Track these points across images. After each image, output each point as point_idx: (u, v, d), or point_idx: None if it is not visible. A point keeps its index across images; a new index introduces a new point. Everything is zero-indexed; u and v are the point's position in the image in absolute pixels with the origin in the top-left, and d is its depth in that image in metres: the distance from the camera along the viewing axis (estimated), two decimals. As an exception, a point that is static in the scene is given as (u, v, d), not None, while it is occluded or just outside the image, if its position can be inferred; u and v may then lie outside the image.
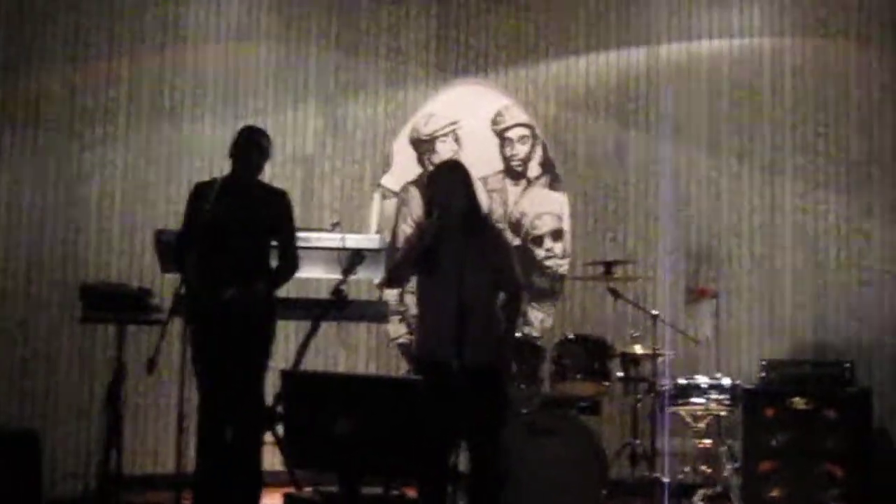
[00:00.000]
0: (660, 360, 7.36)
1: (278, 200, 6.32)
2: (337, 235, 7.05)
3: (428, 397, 4.88)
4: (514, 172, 8.96)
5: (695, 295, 8.28)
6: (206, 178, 6.63)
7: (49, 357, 7.80)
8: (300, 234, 6.46)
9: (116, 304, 6.67)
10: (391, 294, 8.47)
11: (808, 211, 8.32)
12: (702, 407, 7.39)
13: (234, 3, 8.52)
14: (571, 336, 7.39)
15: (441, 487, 5.45)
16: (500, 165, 8.95)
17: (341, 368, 8.32)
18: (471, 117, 8.97)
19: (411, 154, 8.93)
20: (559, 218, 8.87)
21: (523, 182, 8.94)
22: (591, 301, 8.64)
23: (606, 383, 7.26)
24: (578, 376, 7.18)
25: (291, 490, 6.46)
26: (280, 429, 6.12)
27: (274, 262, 6.27)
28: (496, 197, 8.89)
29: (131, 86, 8.17)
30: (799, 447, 7.26)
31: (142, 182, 8.15)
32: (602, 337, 7.54)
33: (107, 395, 6.43)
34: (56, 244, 7.89)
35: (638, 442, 7.27)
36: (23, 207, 7.83)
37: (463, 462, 5.60)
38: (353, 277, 6.69)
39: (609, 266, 7.54)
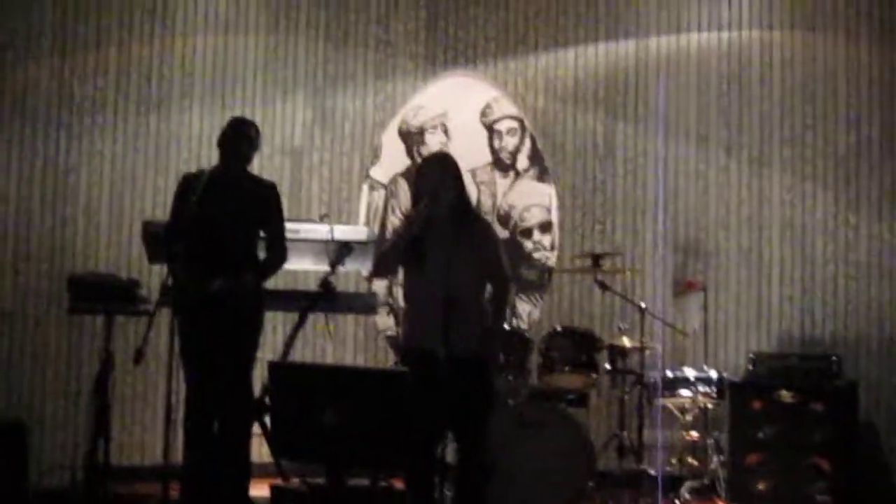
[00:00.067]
0: (647, 352, 7.38)
1: (267, 192, 6.31)
2: (325, 227, 7.05)
3: (415, 388, 4.89)
4: (502, 165, 8.95)
5: (682, 287, 8.29)
6: (194, 169, 6.62)
7: (36, 348, 7.78)
8: (288, 226, 6.46)
9: (104, 295, 6.66)
10: (379, 286, 8.48)
11: (795, 204, 8.35)
12: (689, 399, 7.42)
13: (222, -7, 8.52)
14: (559, 328, 7.40)
15: (428, 479, 5.46)
16: (488, 157, 8.95)
17: (329, 360, 8.31)
18: (460, 109, 8.97)
19: (400, 146, 8.92)
20: (547, 210, 8.87)
21: (512, 174, 8.94)
22: (580, 293, 8.64)
23: (594, 375, 7.28)
24: (566, 368, 7.19)
25: (279, 481, 6.46)
26: (267, 420, 6.12)
27: (262, 254, 6.27)
28: (485, 189, 8.89)
29: (119, 76, 8.15)
30: (786, 440, 7.28)
31: (130, 173, 8.13)
32: (590, 329, 7.56)
33: (94, 386, 6.43)
34: (44, 235, 7.87)
35: (625, 434, 7.29)
36: (10, 198, 7.81)
37: (450, 453, 5.60)
38: (341, 269, 6.69)
39: (597, 258, 7.55)
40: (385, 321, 8.65)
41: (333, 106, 8.73)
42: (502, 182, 8.93)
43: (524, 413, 6.82)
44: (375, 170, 8.85)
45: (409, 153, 8.89)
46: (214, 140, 6.34)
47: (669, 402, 7.52)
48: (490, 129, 8.97)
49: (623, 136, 8.74)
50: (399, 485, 5.49)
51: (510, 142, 8.95)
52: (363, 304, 7.49)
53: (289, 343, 6.69)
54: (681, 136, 8.60)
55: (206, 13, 8.41)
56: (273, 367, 5.37)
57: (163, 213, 7.17)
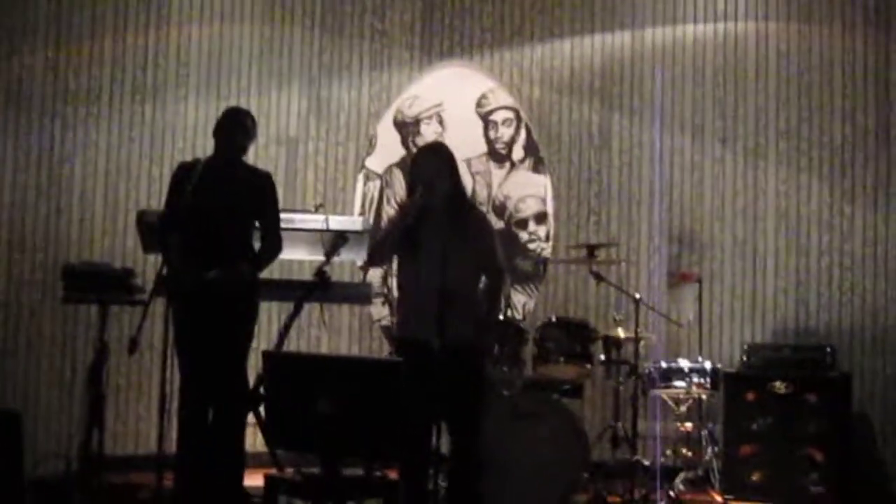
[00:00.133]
0: (642, 343, 7.37)
1: (262, 182, 6.30)
2: (320, 217, 7.05)
3: (408, 378, 4.90)
4: (498, 155, 8.95)
5: (677, 278, 8.30)
6: (190, 158, 6.60)
7: (31, 337, 7.77)
8: (283, 216, 6.46)
9: (98, 285, 6.65)
10: (374, 276, 8.48)
11: (790, 195, 8.35)
12: (683, 390, 7.42)
13: (218, -17, 8.50)
14: (554, 319, 7.39)
15: (422, 469, 5.46)
16: (484, 148, 8.95)
17: (324, 350, 8.32)
18: (455, 100, 8.96)
19: (395, 136, 8.91)
20: (543, 201, 8.88)
21: (507, 165, 8.94)
22: (574, 284, 8.65)
23: (589, 366, 7.27)
24: (561, 359, 7.18)
25: (273, 471, 6.45)
26: (262, 410, 6.12)
27: (257, 244, 6.27)
28: (480, 180, 8.89)
29: (114, 66, 8.13)
30: (779, 431, 7.29)
31: (125, 162, 8.12)
32: (585, 320, 7.56)
33: (89, 375, 6.42)
34: (38, 224, 7.85)
35: (619, 425, 7.29)
36: (4, 187, 7.79)
37: (445, 444, 5.61)
38: (336, 259, 6.69)
39: (592, 249, 7.54)
40: (380, 311, 8.66)
41: (329, 96, 8.72)
42: (497, 173, 8.93)
43: (519, 404, 6.82)
44: (371, 160, 8.85)
45: (405, 143, 8.89)
46: (210, 130, 6.33)
47: (664, 393, 7.53)
48: (485, 119, 8.97)
49: (618, 127, 8.74)
50: (393, 475, 5.48)
51: (505, 132, 8.95)
52: (358, 294, 7.50)
53: (283, 333, 6.70)
54: (676, 127, 8.60)
55: (201, 2, 8.39)
56: (268, 356, 5.37)
57: (158, 202, 7.18)
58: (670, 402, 7.60)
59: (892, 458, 7.77)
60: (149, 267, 7.32)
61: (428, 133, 8.86)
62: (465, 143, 8.54)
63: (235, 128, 6.20)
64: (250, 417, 6.43)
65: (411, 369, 4.95)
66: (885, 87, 8.17)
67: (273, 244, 6.26)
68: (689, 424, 7.52)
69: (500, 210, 8.88)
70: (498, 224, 8.61)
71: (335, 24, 8.74)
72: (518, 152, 8.93)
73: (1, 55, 7.80)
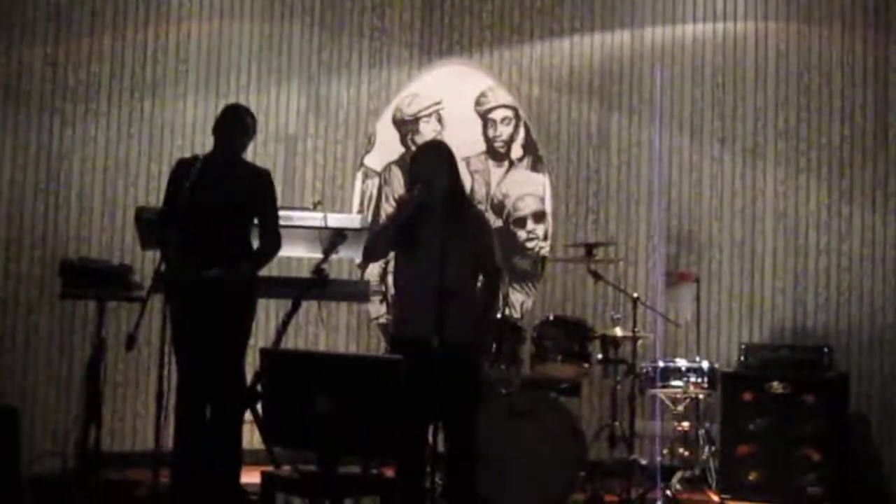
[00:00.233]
0: (640, 342, 7.37)
1: (261, 180, 6.30)
2: (319, 215, 7.05)
3: (405, 376, 4.89)
4: (496, 154, 8.95)
5: (675, 278, 8.29)
6: (188, 155, 6.60)
7: (28, 333, 7.77)
8: (281, 213, 6.45)
9: (96, 281, 6.65)
10: (372, 274, 8.48)
11: (789, 195, 8.35)
12: (681, 390, 7.42)
13: (217, -20, 8.50)
14: (552, 318, 7.40)
15: (420, 467, 5.47)
16: (482, 146, 8.95)
17: (321, 348, 8.31)
18: (454, 98, 8.96)
19: (394, 134, 8.91)
20: (541, 200, 8.88)
21: (506, 163, 8.94)
22: (572, 283, 8.64)
23: (586, 365, 7.28)
24: (558, 358, 7.19)
25: (270, 468, 6.45)
26: (259, 407, 6.12)
27: (255, 241, 6.26)
28: (478, 178, 8.89)
29: (113, 62, 8.12)
30: (777, 431, 7.30)
31: (123, 159, 8.11)
32: (582, 319, 7.57)
33: (86, 372, 6.43)
34: (36, 220, 7.85)
35: (617, 424, 7.29)
36: (3, 183, 7.79)
37: (442, 442, 5.60)
38: (334, 257, 6.70)
39: (590, 248, 7.55)
40: (377, 309, 8.66)
41: (328, 93, 8.72)
42: (496, 171, 8.94)
43: (516, 402, 6.82)
44: (370, 158, 8.85)
45: (404, 141, 8.89)
46: (209, 127, 6.34)
47: (661, 393, 7.53)
48: (484, 117, 8.97)
49: (617, 126, 8.73)
50: (390, 473, 5.48)
51: (504, 131, 8.95)
52: (356, 292, 7.50)
53: (281, 330, 6.70)
54: (675, 126, 8.59)
55: (200, 0, 8.39)
56: (265, 354, 5.37)
57: (156, 199, 7.18)
58: (668, 402, 7.60)
59: (889, 458, 7.77)
60: (147, 263, 7.32)
61: (427, 131, 8.86)
62: (464, 141, 8.54)
63: (235, 125, 6.20)
64: (247, 415, 6.43)
65: (408, 367, 4.95)
66: (884, 88, 8.17)
67: (272, 242, 6.26)
68: (686, 424, 7.52)
69: (498, 208, 8.88)
70: (496, 222, 8.62)
71: (334, 22, 8.74)
72: (517, 151, 8.93)
73: (0, 51, 7.80)
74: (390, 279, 8.19)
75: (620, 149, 8.71)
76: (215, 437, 6.05)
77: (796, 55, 8.39)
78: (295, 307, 6.68)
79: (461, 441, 5.56)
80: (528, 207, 8.89)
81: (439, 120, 8.92)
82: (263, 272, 6.34)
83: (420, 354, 5.17)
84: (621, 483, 7.02)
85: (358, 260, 7.94)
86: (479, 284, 5.73)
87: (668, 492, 7.15)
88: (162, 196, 6.31)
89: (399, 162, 8.77)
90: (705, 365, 7.43)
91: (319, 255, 6.59)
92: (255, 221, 6.26)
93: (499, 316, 6.93)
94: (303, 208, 7.41)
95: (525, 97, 8.90)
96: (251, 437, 6.61)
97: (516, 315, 8.48)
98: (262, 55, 8.55)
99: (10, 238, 7.77)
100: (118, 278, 6.71)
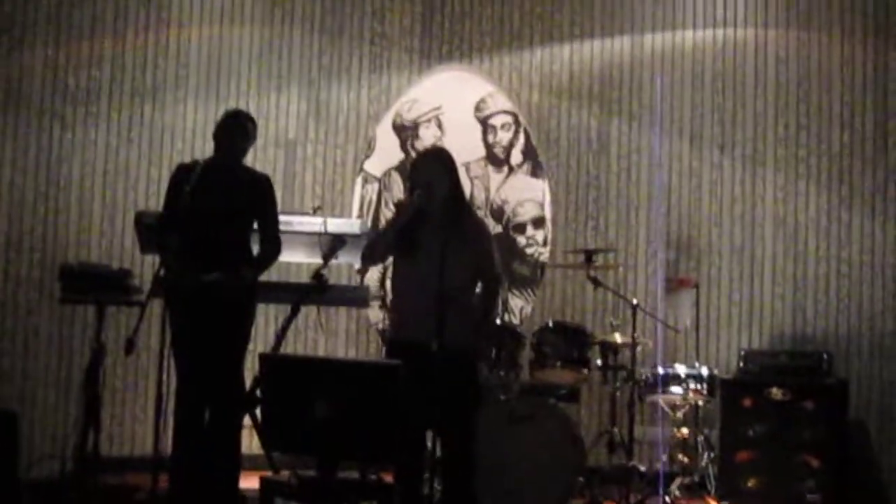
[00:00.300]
0: (639, 348, 7.37)
1: (261, 185, 6.30)
2: (318, 220, 7.05)
3: (404, 381, 4.89)
4: (496, 159, 8.95)
5: (675, 284, 8.30)
6: (188, 160, 6.61)
7: (28, 337, 7.77)
8: (281, 218, 6.46)
9: (96, 285, 6.65)
10: (372, 279, 8.48)
11: (788, 202, 8.35)
12: (680, 396, 7.42)
13: (218, -16, 8.50)
14: (551, 324, 7.39)
15: (418, 472, 5.46)
16: (482, 152, 8.95)
17: (321, 353, 8.31)
18: (454, 104, 8.96)
19: (394, 139, 8.91)
20: (541, 206, 8.87)
21: (505, 169, 8.94)
22: (572, 289, 8.64)
23: (585, 371, 7.28)
24: (558, 364, 7.19)
25: (269, 474, 6.45)
26: (258, 412, 6.11)
27: (255, 246, 6.26)
28: (478, 184, 8.89)
29: (114, 67, 8.13)
30: (776, 437, 7.29)
31: (123, 163, 8.12)
32: (582, 325, 7.57)
33: (85, 376, 6.42)
34: (36, 224, 7.85)
35: (616, 430, 7.29)
36: (2, 187, 7.79)
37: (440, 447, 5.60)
38: (333, 262, 6.68)
39: (590, 254, 7.55)
40: (377, 314, 8.65)
41: (328, 98, 8.72)
42: (496, 177, 8.94)
43: (515, 408, 6.81)
44: (369, 163, 8.85)
45: (403, 147, 8.89)
46: (209, 131, 6.34)
47: (660, 399, 7.52)
48: (484, 123, 8.97)
49: (617, 132, 8.73)
50: (389, 478, 5.48)
51: (504, 137, 8.95)
52: (355, 297, 7.50)
53: (280, 335, 6.69)
54: (675, 132, 8.60)
55: (201, 4, 8.40)
56: (264, 359, 5.36)
57: (156, 203, 7.18)
58: (667, 408, 7.59)
59: (888, 464, 7.78)
60: (146, 268, 7.33)
61: (427, 137, 8.86)
62: (464, 146, 8.54)
63: (236, 130, 6.20)
64: (247, 419, 6.43)
65: (406, 371, 4.94)
66: (884, 95, 8.18)
67: (272, 247, 6.27)
68: (685, 430, 7.52)
69: (497, 214, 8.88)
70: (496, 228, 8.62)
71: (335, 27, 8.74)
72: (516, 156, 8.94)
73: (0, 55, 7.80)
74: (389, 284, 8.23)
75: (620, 155, 8.71)
76: (214, 441, 6.05)
77: (796, 62, 8.40)
78: (294, 312, 6.67)
79: (460, 446, 5.55)
80: (527, 213, 8.89)
81: (439, 125, 8.92)
82: (263, 277, 6.34)
83: (418, 358, 5.16)
84: (620, 489, 7.01)
85: (357, 265, 7.94)
86: (478, 290, 5.73)
87: (667, 498, 7.15)
88: (162, 200, 6.31)
89: (399, 167, 8.78)
90: (704, 371, 7.43)
91: (319, 261, 6.58)
92: (255, 226, 6.26)
93: (498, 322, 6.93)
94: (302, 213, 7.41)
95: (525, 103, 8.91)
96: (250, 442, 6.60)
97: (516, 321, 8.48)
98: (263, 60, 8.55)
99: (9, 241, 7.78)
100: (118, 282, 6.72)
